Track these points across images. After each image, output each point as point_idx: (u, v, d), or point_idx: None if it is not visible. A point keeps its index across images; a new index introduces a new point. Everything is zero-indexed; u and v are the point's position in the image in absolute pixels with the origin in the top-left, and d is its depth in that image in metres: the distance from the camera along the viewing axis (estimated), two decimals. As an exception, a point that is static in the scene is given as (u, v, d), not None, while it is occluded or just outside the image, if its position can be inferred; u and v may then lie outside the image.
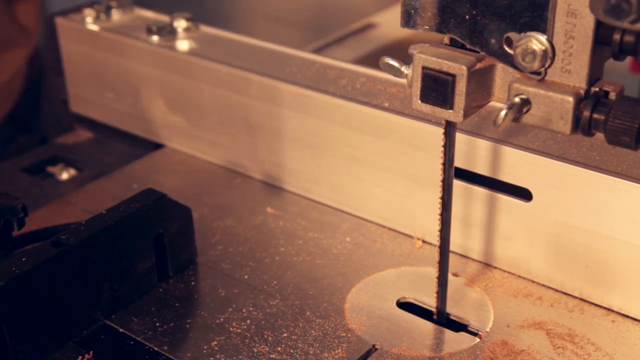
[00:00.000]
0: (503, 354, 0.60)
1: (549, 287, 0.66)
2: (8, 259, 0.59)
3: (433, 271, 0.65)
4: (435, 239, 0.62)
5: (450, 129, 0.58)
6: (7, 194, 0.66)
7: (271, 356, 0.60)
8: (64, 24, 0.91)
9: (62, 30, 0.91)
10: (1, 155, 0.96)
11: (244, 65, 0.79)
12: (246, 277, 0.68)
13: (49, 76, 0.96)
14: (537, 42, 0.49)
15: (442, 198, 0.60)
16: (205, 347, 0.61)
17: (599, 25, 0.48)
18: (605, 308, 0.64)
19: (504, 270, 0.68)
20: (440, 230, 0.61)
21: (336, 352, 0.60)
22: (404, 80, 0.56)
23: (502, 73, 0.53)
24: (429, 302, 0.65)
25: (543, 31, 0.49)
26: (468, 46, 0.53)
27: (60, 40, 0.92)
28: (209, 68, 0.80)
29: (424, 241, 0.72)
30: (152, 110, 0.87)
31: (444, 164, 0.59)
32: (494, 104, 0.66)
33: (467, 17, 0.51)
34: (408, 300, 0.66)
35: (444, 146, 0.59)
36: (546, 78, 0.50)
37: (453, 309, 0.64)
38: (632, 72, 1.09)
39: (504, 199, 0.66)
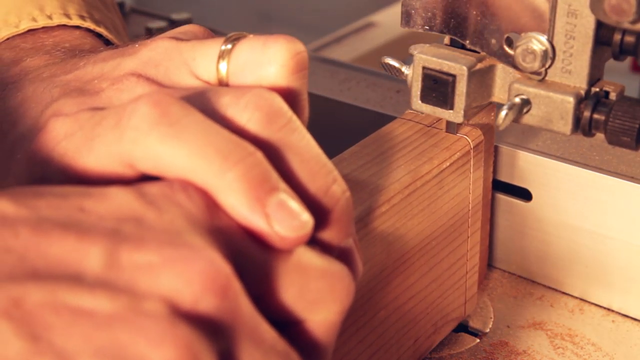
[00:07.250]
0: (503, 354, 0.60)
1: (549, 287, 0.66)
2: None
3: (433, 271, 0.65)
4: (435, 239, 0.62)
5: (450, 129, 0.58)
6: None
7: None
8: (64, 23, 0.90)
9: (62, 30, 0.91)
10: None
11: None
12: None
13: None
14: (538, 42, 0.49)
15: (442, 198, 0.60)
16: None
17: (599, 26, 0.48)
18: (605, 308, 0.64)
19: (504, 270, 0.68)
20: (441, 231, 0.61)
21: (336, 352, 0.60)
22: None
23: (502, 73, 0.53)
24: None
25: (543, 31, 0.49)
26: (468, 46, 0.53)
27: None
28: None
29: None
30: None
31: (444, 164, 0.59)
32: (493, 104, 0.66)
33: (467, 17, 0.51)
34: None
35: (444, 146, 0.59)
36: (546, 78, 0.50)
37: (453, 309, 0.64)
38: (632, 72, 1.09)
39: (504, 199, 0.66)
